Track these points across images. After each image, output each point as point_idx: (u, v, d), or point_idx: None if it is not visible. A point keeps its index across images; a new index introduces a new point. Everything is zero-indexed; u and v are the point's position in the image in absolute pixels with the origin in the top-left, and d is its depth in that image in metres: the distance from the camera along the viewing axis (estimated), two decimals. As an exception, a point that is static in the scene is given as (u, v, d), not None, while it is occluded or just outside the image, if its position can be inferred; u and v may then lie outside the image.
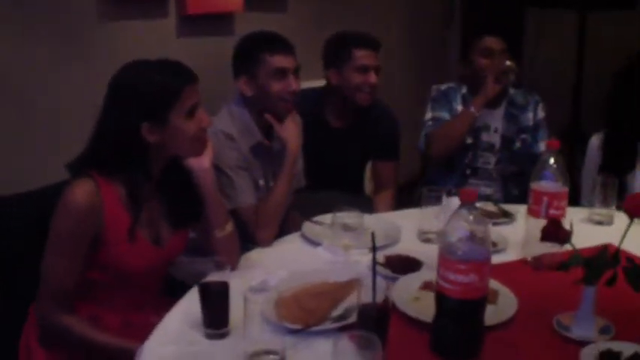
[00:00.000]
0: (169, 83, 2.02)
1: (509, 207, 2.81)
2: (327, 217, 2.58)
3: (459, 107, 3.38)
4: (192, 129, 2.08)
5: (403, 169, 3.52)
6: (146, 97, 2.01)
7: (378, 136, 3.33)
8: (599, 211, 2.71)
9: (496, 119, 3.40)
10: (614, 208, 2.68)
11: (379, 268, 2.11)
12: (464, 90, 3.42)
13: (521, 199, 3.23)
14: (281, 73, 2.64)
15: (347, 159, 3.34)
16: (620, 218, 2.62)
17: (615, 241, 2.24)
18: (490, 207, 2.81)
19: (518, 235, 2.40)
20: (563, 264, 1.77)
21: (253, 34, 2.76)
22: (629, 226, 1.81)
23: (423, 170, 3.76)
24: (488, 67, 3.26)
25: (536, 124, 3.42)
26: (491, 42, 3.31)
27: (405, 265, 2.20)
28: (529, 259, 2.26)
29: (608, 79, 4.53)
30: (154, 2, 3.86)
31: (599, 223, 2.69)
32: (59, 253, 1.99)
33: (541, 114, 3.43)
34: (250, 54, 2.67)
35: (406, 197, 3.48)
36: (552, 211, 2.19)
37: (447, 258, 1.66)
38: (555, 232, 1.77)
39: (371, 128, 3.31)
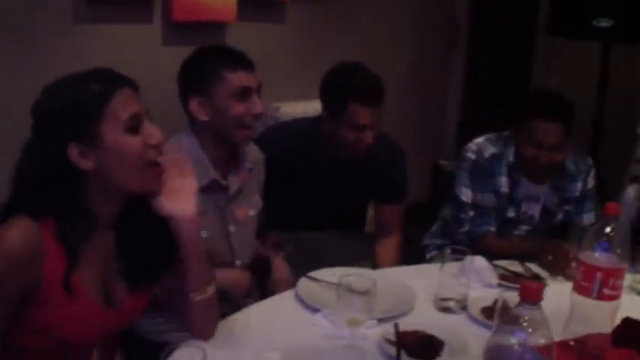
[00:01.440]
0: (94, 89, 1.64)
1: (538, 268, 2.46)
2: (326, 273, 2.21)
3: (504, 182, 2.87)
4: (135, 147, 1.66)
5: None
6: (66, 111, 1.63)
7: (382, 175, 2.92)
8: (644, 280, 2.34)
9: (540, 189, 2.91)
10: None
11: (389, 349, 1.80)
12: (510, 157, 2.85)
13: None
14: (243, 93, 2.25)
15: (344, 199, 2.93)
16: None
17: None
18: (516, 266, 2.45)
19: (550, 305, 1.98)
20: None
21: (207, 47, 2.37)
22: None
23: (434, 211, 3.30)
24: (535, 159, 2.74)
25: (584, 193, 2.93)
26: (546, 134, 2.70)
27: (423, 346, 1.81)
28: (572, 342, 1.87)
29: (630, 117, 4.26)
30: (136, 5, 3.56)
31: (644, 293, 2.32)
32: None
33: (591, 182, 2.93)
34: (207, 71, 2.27)
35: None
36: (606, 291, 1.82)
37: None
38: (634, 336, 1.38)
39: (373, 167, 2.89)
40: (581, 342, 1.85)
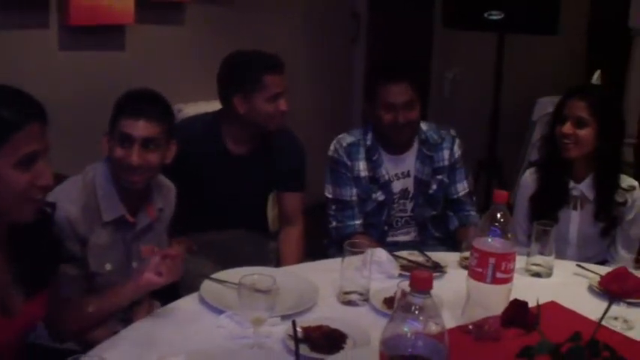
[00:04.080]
0: (2, 117, 1.59)
1: (438, 256, 2.51)
2: (230, 274, 2.20)
3: (362, 166, 2.99)
4: (21, 184, 1.62)
5: (307, 193, 3.15)
6: None
7: (282, 164, 2.98)
8: (538, 261, 2.43)
9: (408, 162, 3.04)
10: (553, 257, 2.42)
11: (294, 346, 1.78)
12: (369, 141, 3.00)
13: (443, 241, 3.06)
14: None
15: (249, 188, 2.96)
16: (561, 269, 2.41)
17: (558, 297, 2.16)
18: (417, 256, 2.50)
19: (451, 292, 2.06)
20: (528, 350, 1.44)
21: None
22: (608, 307, 1.49)
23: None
24: (393, 122, 2.89)
25: (453, 163, 3.08)
26: (396, 94, 2.88)
27: (327, 341, 1.83)
28: (470, 326, 1.93)
29: (525, 105, 4.41)
30: (32, 10, 3.46)
31: (537, 275, 2.42)
32: None
33: (458, 152, 3.08)
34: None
35: (311, 223, 3.12)
36: (499, 275, 1.88)
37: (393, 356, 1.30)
38: (521, 316, 1.44)
39: (275, 155, 2.95)
40: (479, 325, 1.91)
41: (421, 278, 1.33)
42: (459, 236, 2.88)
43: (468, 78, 5.53)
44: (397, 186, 3.03)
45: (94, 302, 2.07)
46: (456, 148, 3.07)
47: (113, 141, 2.24)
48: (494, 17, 4.46)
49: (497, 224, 1.92)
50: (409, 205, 3.06)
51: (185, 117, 3.08)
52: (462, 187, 3.07)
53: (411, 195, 3.05)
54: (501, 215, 1.92)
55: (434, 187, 3.05)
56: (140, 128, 2.21)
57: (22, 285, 1.77)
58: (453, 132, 3.11)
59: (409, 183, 3.04)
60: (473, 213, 3.06)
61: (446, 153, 3.06)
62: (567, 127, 2.69)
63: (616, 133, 2.76)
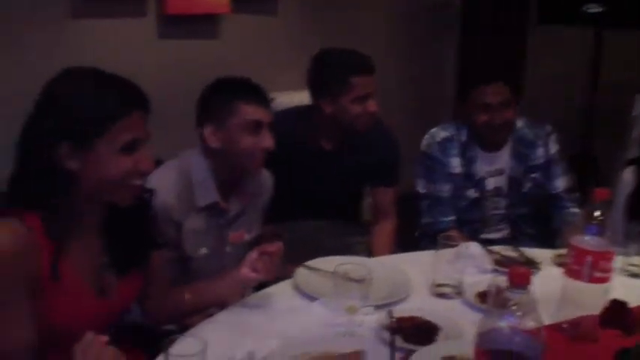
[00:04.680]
0: (109, 106, 1.65)
1: (533, 253, 2.47)
2: (323, 262, 2.25)
3: (456, 162, 2.96)
4: (123, 168, 1.68)
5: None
6: (74, 111, 1.63)
7: (376, 159, 2.96)
8: (636, 262, 2.36)
9: (502, 160, 3.00)
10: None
11: (387, 335, 1.79)
12: (463, 137, 2.96)
13: (537, 239, 2.97)
14: (255, 126, 2.28)
15: (340, 183, 2.97)
16: None
17: None
18: (510, 252, 2.47)
19: (544, 289, 2.01)
20: (624, 354, 1.41)
21: (226, 79, 2.38)
22: None
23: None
24: (489, 123, 2.86)
25: (549, 160, 3.01)
26: (492, 95, 2.85)
27: (420, 332, 1.84)
28: (565, 325, 1.90)
29: (624, 102, 4.28)
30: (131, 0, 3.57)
31: (635, 275, 2.34)
32: (2, 316, 1.62)
33: (554, 147, 3.02)
34: (222, 101, 2.30)
35: (401, 215, 3.11)
36: (597, 274, 1.85)
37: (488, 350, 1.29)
38: (620, 317, 1.41)
39: (368, 150, 2.94)
40: (574, 324, 1.87)
41: (519, 274, 1.32)
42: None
43: (564, 73, 5.40)
44: (490, 183, 2.99)
45: (191, 292, 2.11)
46: (551, 144, 3.01)
47: (229, 131, 2.28)
48: (593, 11, 4.35)
49: (595, 222, 1.89)
50: (503, 203, 3.02)
51: (280, 109, 3.12)
52: (561, 183, 3.00)
53: (504, 193, 3.01)
54: (600, 213, 1.88)
55: (528, 185, 3.00)
56: (266, 114, 2.29)
57: (116, 267, 1.83)
58: (548, 128, 3.04)
59: (502, 181, 3.00)
60: (573, 210, 2.96)
61: (541, 150, 3.00)
62: None
63: None
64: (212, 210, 2.35)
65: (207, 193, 2.32)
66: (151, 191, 1.93)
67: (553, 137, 3.03)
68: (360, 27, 4.76)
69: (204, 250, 2.35)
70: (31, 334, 1.65)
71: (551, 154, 3.01)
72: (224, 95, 2.30)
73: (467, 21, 5.76)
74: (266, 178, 2.54)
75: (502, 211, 3.02)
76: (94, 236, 1.79)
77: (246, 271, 2.00)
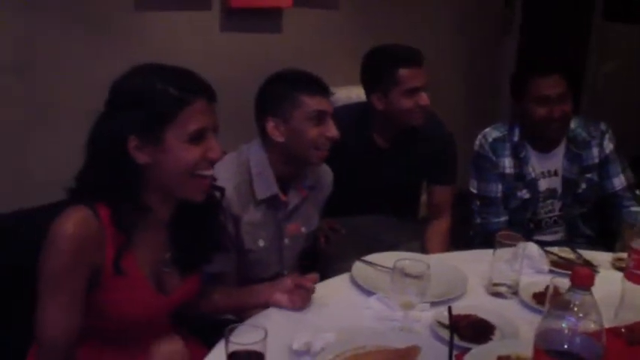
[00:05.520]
0: (172, 93, 1.68)
1: (590, 255, 2.45)
2: (380, 257, 2.27)
3: (508, 163, 2.93)
4: (192, 158, 1.71)
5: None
6: (139, 104, 1.67)
7: (431, 156, 2.95)
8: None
9: (555, 161, 2.95)
10: None
11: (442, 332, 1.83)
12: (516, 137, 2.93)
13: (594, 241, 2.94)
14: (319, 117, 2.30)
15: (395, 179, 2.97)
16: None
17: None
18: (567, 253, 2.46)
19: (602, 292, 2.00)
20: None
21: (285, 72, 2.39)
22: None
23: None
24: (548, 117, 2.80)
25: (605, 158, 2.95)
26: (549, 87, 2.79)
27: (475, 330, 1.85)
28: (623, 329, 1.89)
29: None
30: None
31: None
32: (53, 298, 1.66)
33: (609, 146, 2.95)
34: (285, 94, 2.30)
35: (455, 213, 3.09)
36: (658, 279, 1.83)
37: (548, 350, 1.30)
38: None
39: (422, 146, 2.94)
40: (632, 329, 1.87)
41: (583, 275, 1.33)
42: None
43: (626, 72, 5.33)
44: (543, 184, 2.95)
45: (220, 293, 2.13)
46: (606, 142, 2.95)
47: (302, 123, 2.29)
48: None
49: (659, 225, 1.87)
50: (557, 205, 2.98)
51: (338, 105, 3.14)
52: (619, 182, 2.95)
53: (559, 194, 2.96)
54: (664, 217, 1.87)
55: (583, 186, 2.96)
56: (329, 104, 2.33)
57: (179, 266, 1.87)
58: (603, 126, 2.98)
59: (557, 182, 2.96)
60: (634, 208, 2.83)
61: (595, 150, 2.95)
62: None
63: None
64: (271, 203, 2.37)
65: (267, 186, 2.34)
66: (222, 189, 1.96)
67: (608, 135, 2.96)
68: (422, 22, 4.76)
69: (262, 243, 2.37)
70: (78, 323, 1.68)
71: (606, 153, 2.95)
72: (285, 89, 2.31)
73: (527, 20, 5.70)
74: (326, 172, 2.56)
75: (557, 213, 2.98)
76: (160, 232, 1.82)
77: (280, 297, 1.99)
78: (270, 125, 2.31)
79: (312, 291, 1.99)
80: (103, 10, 3.26)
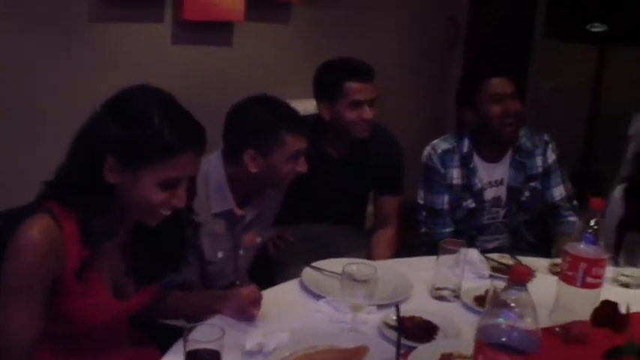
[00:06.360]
0: (165, 139, 1.67)
1: (528, 261, 2.56)
2: (328, 263, 2.36)
3: (456, 173, 2.99)
4: (157, 201, 1.72)
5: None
6: (130, 131, 1.67)
7: (379, 168, 3.06)
8: (627, 272, 2.46)
9: (502, 170, 3.01)
10: (644, 268, 2.45)
11: (389, 332, 1.93)
12: (465, 148, 2.98)
13: (536, 247, 3.03)
14: (297, 155, 2.40)
15: (346, 190, 3.07)
16: None
17: None
18: (507, 259, 2.57)
19: (538, 296, 2.10)
20: (615, 351, 1.51)
21: (272, 102, 2.45)
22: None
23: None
24: (503, 113, 2.86)
25: (547, 168, 3.04)
26: (501, 85, 2.90)
27: (420, 330, 1.94)
28: (557, 329, 2.00)
29: (624, 119, 4.37)
30: (149, 5, 3.64)
31: (626, 285, 2.44)
32: (16, 304, 1.68)
33: (552, 156, 3.04)
34: (270, 130, 2.37)
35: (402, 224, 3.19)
36: (590, 280, 1.94)
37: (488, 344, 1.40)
38: (610, 316, 1.52)
39: (372, 159, 3.04)
40: (566, 328, 1.98)
41: (520, 272, 1.43)
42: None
43: (566, 90, 5.49)
44: (489, 194, 3.01)
45: (172, 297, 2.13)
46: (549, 152, 3.04)
47: (282, 161, 2.37)
48: (597, 30, 4.45)
49: (590, 230, 1.99)
50: (501, 212, 3.04)
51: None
52: (559, 192, 3.03)
53: (503, 202, 3.03)
54: (595, 222, 1.99)
55: (526, 194, 3.03)
56: (305, 142, 2.43)
57: (134, 276, 1.89)
58: (546, 137, 3.07)
59: (501, 191, 3.02)
60: (571, 219, 3.00)
61: (539, 160, 3.03)
62: None
63: None
64: (227, 216, 2.42)
65: (222, 200, 2.39)
66: (192, 212, 1.94)
67: (551, 146, 3.05)
68: (370, 37, 4.84)
69: (220, 254, 2.43)
70: (37, 330, 1.70)
71: (549, 163, 3.03)
72: (271, 124, 2.35)
73: (472, 35, 5.85)
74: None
75: (500, 220, 3.06)
76: (121, 242, 1.85)
77: (230, 313, 1.99)
78: (248, 156, 2.35)
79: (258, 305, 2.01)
80: (57, 22, 3.26)
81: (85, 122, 1.73)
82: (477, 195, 3.00)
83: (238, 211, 2.43)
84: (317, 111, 3.04)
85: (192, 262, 2.28)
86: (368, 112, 2.88)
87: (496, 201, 3.04)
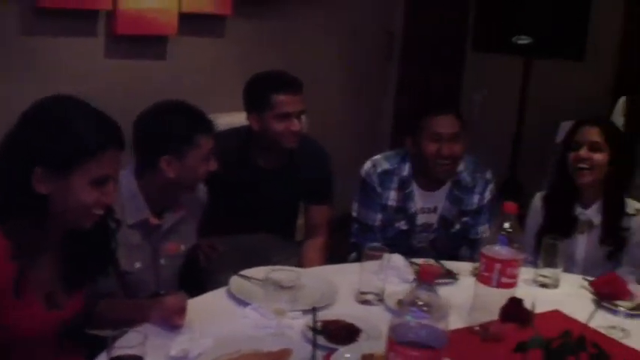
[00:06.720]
0: (88, 141, 1.74)
1: (452, 265, 2.64)
2: (256, 271, 2.39)
3: (392, 195, 3.01)
4: (90, 201, 1.78)
5: (335, 206, 3.27)
6: (52, 140, 1.72)
7: (308, 178, 3.10)
8: (545, 273, 2.57)
9: (437, 199, 3.04)
10: (560, 270, 2.55)
11: (312, 336, 1.96)
12: (404, 172, 3.00)
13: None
14: (210, 154, 2.48)
15: (276, 201, 3.11)
16: (566, 281, 2.54)
17: (562, 306, 2.29)
18: (432, 263, 2.63)
19: (461, 297, 2.22)
20: (522, 345, 1.59)
21: (179, 108, 2.49)
22: (596, 308, 1.64)
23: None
24: (437, 153, 2.87)
25: (481, 207, 3.07)
26: (444, 125, 2.89)
27: (342, 333, 2.00)
28: (476, 328, 2.08)
29: (549, 129, 4.51)
30: (82, 19, 3.63)
31: (544, 285, 2.55)
32: None
33: (488, 197, 3.07)
34: (183, 135, 2.42)
35: (335, 235, 3.24)
36: (504, 280, 2.04)
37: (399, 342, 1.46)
38: (516, 312, 1.60)
39: (301, 169, 3.09)
40: (485, 327, 2.06)
41: (428, 271, 1.49)
42: None
43: (495, 100, 5.64)
44: (421, 219, 3.05)
45: (105, 304, 2.14)
46: (487, 193, 3.07)
47: (197, 162, 2.43)
48: (522, 42, 4.59)
49: (504, 233, 2.08)
50: (430, 236, 3.09)
51: (223, 129, 3.24)
52: (484, 230, 3.05)
53: (433, 228, 3.07)
54: (509, 225, 2.07)
55: (457, 226, 3.07)
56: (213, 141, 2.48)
57: (66, 283, 1.91)
58: (488, 175, 3.10)
59: (434, 218, 3.06)
60: None
61: (476, 197, 3.06)
62: (584, 152, 2.76)
63: (626, 158, 2.85)
64: (144, 225, 2.44)
65: (137, 210, 2.41)
66: (118, 222, 2.01)
67: (490, 186, 3.08)
68: (308, 50, 4.90)
69: (138, 265, 2.44)
70: None
71: (484, 202, 3.07)
72: (183, 129, 2.40)
73: (407, 49, 5.97)
74: (201, 190, 2.66)
75: (426, 244, 3.10)
76: (52, 252, 1.87)
77: (156, 321, 2.01)
78: (164, 162, 2.39)
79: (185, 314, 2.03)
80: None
81: (5, 138, 1.76)
82: (410, 218, 3.03)
83: (153, 220, 2.45)
84: (244, 121, 3.09)
85: (110, 273, 2.27)
86: (296, 124, 2.93)
87: (427, 226, 3.08)
